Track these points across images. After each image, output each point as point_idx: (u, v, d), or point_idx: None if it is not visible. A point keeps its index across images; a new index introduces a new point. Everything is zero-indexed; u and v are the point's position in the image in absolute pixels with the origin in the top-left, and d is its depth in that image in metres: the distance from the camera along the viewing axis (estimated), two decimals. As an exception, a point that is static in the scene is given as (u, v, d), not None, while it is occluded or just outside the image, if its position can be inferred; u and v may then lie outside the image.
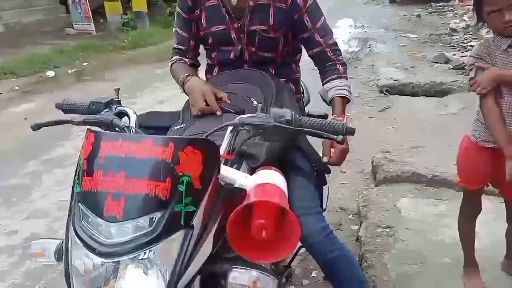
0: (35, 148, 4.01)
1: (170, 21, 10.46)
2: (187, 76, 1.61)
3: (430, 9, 11.37)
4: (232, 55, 1.68)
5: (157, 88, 5.99)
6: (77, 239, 0.94)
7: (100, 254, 0.91)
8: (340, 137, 1.14)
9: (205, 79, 1.80)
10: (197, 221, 0.95)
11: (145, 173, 0.93)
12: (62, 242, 1.05)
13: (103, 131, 1.18)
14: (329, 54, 1.67)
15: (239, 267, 1.00)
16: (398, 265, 2.16)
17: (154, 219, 0.91)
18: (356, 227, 2.71)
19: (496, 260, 2.07)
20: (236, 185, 1.09)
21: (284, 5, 1.61)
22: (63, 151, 4.02)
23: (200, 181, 0.96)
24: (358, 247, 2.45)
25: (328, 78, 1.67)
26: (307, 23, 1.63)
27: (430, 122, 4.20)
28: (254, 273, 1.00)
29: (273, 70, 1.71)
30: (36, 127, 1.31)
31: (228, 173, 1.10)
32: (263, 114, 1.17)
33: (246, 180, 1.11)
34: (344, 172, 3.45)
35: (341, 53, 1.72)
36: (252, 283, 0.98)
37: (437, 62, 6.10)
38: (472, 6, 1.77)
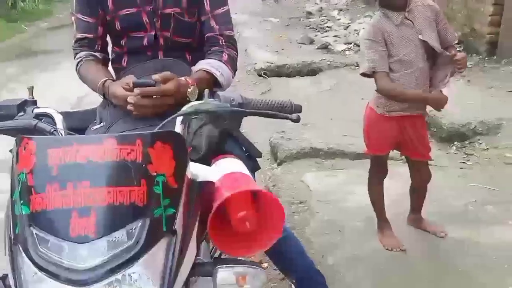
0: None
1: (14, 14, 9.27)
2: (106, 81, 1.37)
3: (285, -7, 11.95)
4: (144, 42, 1.53)
5: (14, 89, 5.26)
6: (36, 269, 0.76)
7: (70, 282, 0.75)
8: (295, 116, 1.12)
9: (112, 70, 1.62)
10: (178, 224, 0.84)
11: (114, 179, 0.79)
12: (6, 276, 0.85)
13: (47, 136, 0.97)
14: (221, 43, 1.53)
15: (224, 266, 0.92)
16: (320, 236, 2.27)
17: (133, 230, 0.79)
18: (269, 207, 2.76)
19: (403, 216, 2.29)
20: (200, 179, 1.00)
21: None
22: None
23: (174, 179, 0.85)
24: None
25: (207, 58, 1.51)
26: (206, 6, 1.52)
27: (310, 100, 4.43)
28: (240, 269, 0.93)
29: (190, 56, 1.60)
30: None
31: (189, 167, 1.00)
32: (213, 99, 1.09)
33: (209, 172, 1.03)
34: (243, 155, 3.47)
35: (235, 48, 1.56)
36: (241, 279, 0.92)
37: (304, 43, 6.49)
38: None
